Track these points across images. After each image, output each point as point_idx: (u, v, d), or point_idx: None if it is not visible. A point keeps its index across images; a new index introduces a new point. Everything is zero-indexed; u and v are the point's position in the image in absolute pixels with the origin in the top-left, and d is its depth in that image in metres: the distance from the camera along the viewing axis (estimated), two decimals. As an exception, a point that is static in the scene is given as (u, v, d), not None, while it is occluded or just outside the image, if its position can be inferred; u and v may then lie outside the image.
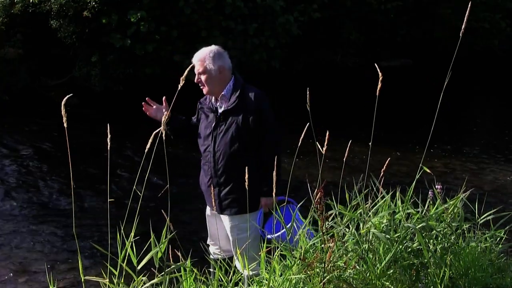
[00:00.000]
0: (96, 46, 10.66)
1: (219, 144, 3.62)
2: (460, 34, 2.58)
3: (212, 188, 3.57)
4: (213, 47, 3.66)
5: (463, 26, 2.54)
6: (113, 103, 10.61)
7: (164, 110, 3.73)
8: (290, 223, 2.96)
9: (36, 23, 10.87)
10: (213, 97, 3.70)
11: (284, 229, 3.01)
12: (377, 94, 2.60)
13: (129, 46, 10.35)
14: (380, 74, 2.57)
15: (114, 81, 10.89)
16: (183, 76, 2.48)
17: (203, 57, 3.60)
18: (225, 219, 3.72)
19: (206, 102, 3.75)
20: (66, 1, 10.25)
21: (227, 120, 3.60)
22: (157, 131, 2.47)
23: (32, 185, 6.94)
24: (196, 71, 3.60)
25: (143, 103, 3.79)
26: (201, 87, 3.66)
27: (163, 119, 2.59)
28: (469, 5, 2.64)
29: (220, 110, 3.66)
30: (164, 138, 2.53)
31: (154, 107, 3.78)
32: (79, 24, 10.45)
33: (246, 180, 2.86)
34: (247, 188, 2.91)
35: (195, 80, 3.63)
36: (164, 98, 3.76)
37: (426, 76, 13.19)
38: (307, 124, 2.79)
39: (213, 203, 3.64)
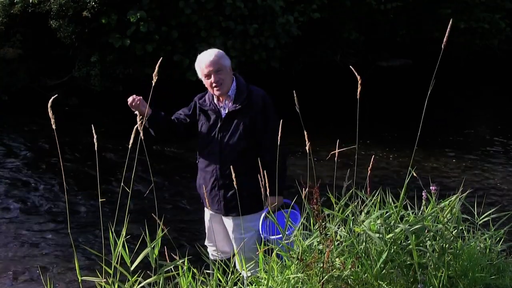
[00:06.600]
0: (95, 46, 10.65)
1: (226, 145, 3.57)
2: (443, 45, 2.54)
3: (216, 190, 3.57)
4: (215, 49, 3.63)
5: (445, 38, 2.50)
6: (112, 103, 10.59)
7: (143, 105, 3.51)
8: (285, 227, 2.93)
9: (35, 23, 10.85)
10: (215, 98, 3.63)
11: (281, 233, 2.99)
12: (357, 97, 2.56)
13: (128, 46, 10.34)
14: (358, 78, 2.54)
15: (114, 81, 10.87)
16: (155, 72, 2.44)
17: (217, 56, 3.54)
18: (230, 220, 3.68)
19: (206, 103, 3.66)
20: (65, 1, 10.23)
21: (233, 121, 3.56)
22: (137, 125, 2.45)
23: (30, 185, 6.93)
24: (211, 71, 3.49)
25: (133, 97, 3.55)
26: (216, 88, 3.52)
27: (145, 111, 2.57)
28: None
29: (224, 111, 3.60)
30: (141, 135, 2.49)
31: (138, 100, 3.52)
32: (78, 24, 10.44)
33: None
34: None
35: (213, 81, 3.49)
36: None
37: (425, 76, 13.18)
38: (280, 121, 2.78)
39: (218, 205, 3.63)
